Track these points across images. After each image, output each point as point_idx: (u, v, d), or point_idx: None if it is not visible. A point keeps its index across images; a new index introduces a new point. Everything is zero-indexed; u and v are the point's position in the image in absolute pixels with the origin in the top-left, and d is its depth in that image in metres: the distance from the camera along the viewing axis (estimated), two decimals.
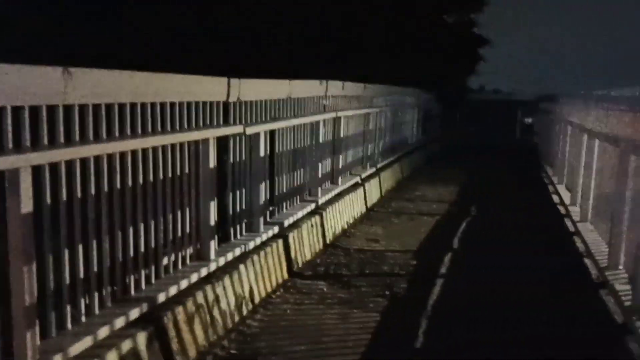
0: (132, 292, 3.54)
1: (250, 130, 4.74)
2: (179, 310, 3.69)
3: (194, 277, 3.99)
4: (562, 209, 7.64)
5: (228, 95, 4.57)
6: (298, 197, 6.44)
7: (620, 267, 4.52)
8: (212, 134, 4.20)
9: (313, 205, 6.53)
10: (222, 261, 4.39)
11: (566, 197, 7.98)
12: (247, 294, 4.62)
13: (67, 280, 3.00)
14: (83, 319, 3.12)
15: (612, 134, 5.10)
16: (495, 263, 6.39)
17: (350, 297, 5.09)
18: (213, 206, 4.31)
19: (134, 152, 3.45)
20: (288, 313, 4.70)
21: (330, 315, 4.69)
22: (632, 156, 4.38)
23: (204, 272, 4.12)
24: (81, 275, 3.10)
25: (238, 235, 4.96)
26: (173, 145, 3.87)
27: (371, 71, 13.66)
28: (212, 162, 4.25)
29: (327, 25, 14.39)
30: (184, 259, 4.13)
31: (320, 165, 6.95)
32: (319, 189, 6.92)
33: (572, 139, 8.38)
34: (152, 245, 3.73)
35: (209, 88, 4.33)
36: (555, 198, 8.59)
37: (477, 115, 25.43)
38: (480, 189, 11.75)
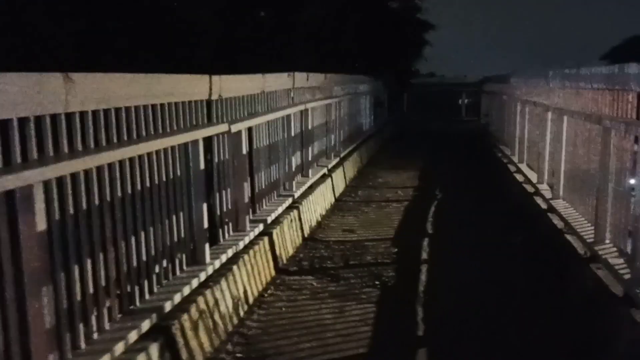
0: (138, 302, 3.40)
1: (235, 128, 4.62)
2: (185, 317, 3.57)
3: (195, 283, 3.87)
4: (529, 188, 7.77)
5: (210, 93, 4.44)
6: (275, 193, 6.36)
7: (607, 241, 4.61)
8: (201, 134, 4.07)
9: (290, 200, 6.46)
10: (217, 264, 4.28)
11: (531, 175, 8.13)
12: (242, 295, 4.52)
13: (78, 297, 2.85)
14: (95, 335, 2.98)
15: (593, 112, 5.20)
16: (475, 244, 6.44)
17: (342, 290, 5.05)
18: (205, 208, 4.19)
19: (131, 159, 3.30)
20: (284, 311, 4.62)
21: (326, 310, 4.63)
22: (614, 132, 4.48)
23: (202, 276, 4.00)
24: (90, 290, 2.95)
25: (226, 236, 4.85)
26: (165, 149, 3.72)
27: (316, 59, 13.59)
28: (202, 163, 4.13)
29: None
30: (180, 264, 4.00)
31: (293, 158, 6.88)
32: (294, 182, 6.85)
33: (533, 117, 8.53)
34: (153, 252, 3.59)
35: (193, 86, 4.19)
36: (519, 177, 8.74)
37: (423, 99, 25.83)
38: (440, 171, 11.89)
